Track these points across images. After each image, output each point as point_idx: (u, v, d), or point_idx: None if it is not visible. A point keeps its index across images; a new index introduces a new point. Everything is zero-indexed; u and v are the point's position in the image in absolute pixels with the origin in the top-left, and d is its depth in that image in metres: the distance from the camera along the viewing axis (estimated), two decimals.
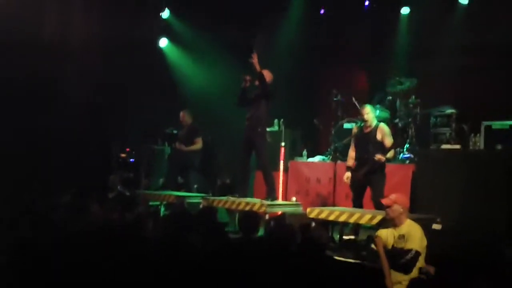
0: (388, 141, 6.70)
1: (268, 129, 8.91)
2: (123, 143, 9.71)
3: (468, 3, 9.23)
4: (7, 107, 8.09)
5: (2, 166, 7.69)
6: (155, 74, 10.33)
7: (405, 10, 9.98)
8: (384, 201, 5.23)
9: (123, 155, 9.58)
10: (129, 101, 9.81)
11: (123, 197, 7.85)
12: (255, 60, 7.06)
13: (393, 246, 5.07)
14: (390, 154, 6.72)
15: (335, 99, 9.16)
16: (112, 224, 5.52)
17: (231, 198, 7.25)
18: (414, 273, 4.89)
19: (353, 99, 8.95)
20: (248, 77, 7.22)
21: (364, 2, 10.38)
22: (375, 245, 5.12)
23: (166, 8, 10.32)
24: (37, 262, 4.36)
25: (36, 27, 8.65)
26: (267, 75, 7.26)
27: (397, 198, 5.17)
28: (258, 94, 7.23)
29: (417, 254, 4.91)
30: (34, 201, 6.25)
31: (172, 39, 10.71)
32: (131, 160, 9.59)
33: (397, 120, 8.64)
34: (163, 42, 10.69)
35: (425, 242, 5.02)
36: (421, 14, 9.63)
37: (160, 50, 10.72)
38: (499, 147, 7.26)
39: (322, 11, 10.80)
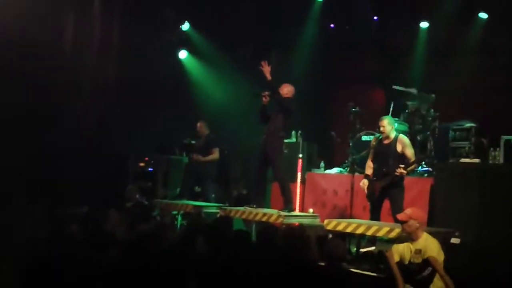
0: (410, 152, 6.66)
1: (285, 141, 8.99)
2: (142, 152, 9.79)
3: (488, 18, 9.21)
4: (27, 120, 8.21)
5: (22, 177, 7.78)
6: (174, 85, 10.45)
7: (424, 25, 9.98)
8: (400, 217, 5.20)
9: (141, 164, 9.66)
10: (148, 111, 9.92)
11: (141, 206, 7.90)
12: (265, 68, 7.03)
13: (409, 261, 5.03)
14: (410, 168, 6.66)
15: (353, 110, 9.16)
16: (129, 234, 5.56)
17: (248, 209, 7.27)
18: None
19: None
20: (266, 93, 7.22)
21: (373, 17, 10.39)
22: (387, 259, 5.10)
23: (186, 21, 10.45)
24: (52, 272, 4.40)
25: (54, 41, 8.80)
26: (288, 88, 7.27)
27: (412, 213, 5.14)
28: (276, 108, 7.26)
29: (433, 269, 4.87)
30: (52, 212, 6.31)
31: (191, 51, 10.83)
32: (149, 169, 9.67)
33: (415, 134, 8.61)
34: (183, 54, 10.82)
35: (442, 257, 4.98)
36: (440, 29, 9.62)
37: (179, 62, 10.84)
38: None
39: (333, 26, 10.84)
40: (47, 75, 8.46)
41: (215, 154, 8.76)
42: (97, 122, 9.29)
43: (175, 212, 8.13)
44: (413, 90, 8.81)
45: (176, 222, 7.93)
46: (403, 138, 6.78)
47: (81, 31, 9.18)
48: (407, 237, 5.16)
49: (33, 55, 8.28)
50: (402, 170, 6.47)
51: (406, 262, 5.05)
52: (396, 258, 5.10)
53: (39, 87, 8.37)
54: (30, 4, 8.29)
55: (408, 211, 5.20)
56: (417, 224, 5.08)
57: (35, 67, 8.25)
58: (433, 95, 8.68)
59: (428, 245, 4.99)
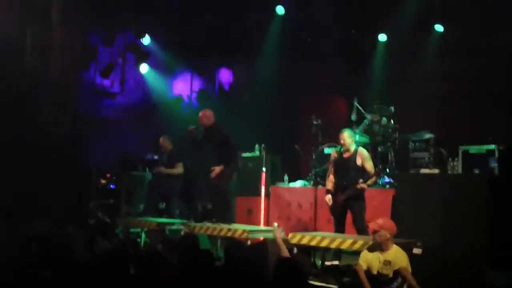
0: (369, 165, 6.76)
1: (249, 155, 9.03)
2: (103, 169, 9.61)
3: (444, 31, 9.45)
4: None
5: None
6: (136, 100, 10.35)
7: (382, 37, 10.17)
8: (372, 226, 5.25)
9: (103, 181, 9.48)
10: (109, 127, 9.78)
11: (103, 224, 7.76)
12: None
13: (378, 271, 5.07)
14: (371, 181, 6.75)
15: (315, 123, 9.24)
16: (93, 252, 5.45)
17: (207, 224, 7.25)
18: None
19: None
20: (190, 129, 7.64)
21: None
22: (356, 273, 5.13)
23: (147, 34, 10.37)
24: None
25: (15, 56, 8.60)
26: (208, 115, 7.56)
27: (384, 223, 5.20)
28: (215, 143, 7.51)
29: (403, 282, 4.93)
30: (13, 229, 6.13)
31: (152, 65, 10.73)
32: (111, 186, 9.50)
33: (376, 145, 8.73)
34: (144, 68, 10.71)
35: (410, 270, 5.05)
36: (398, 41, 9.82)
37: (141, 76, 10.73)
38: (476, 171, 7.39)
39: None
40: (7, 88, 8.27)
41: (179, 168, 8.70)
42: (58, 137, 9.11)
43: (138, 230, 8.00)
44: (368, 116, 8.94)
45: (139, 240, 7.81)
46: (363, 151, 6.87)
47: (40, 42, 8.99)
48: (377, 247, 5.21)
49: None
50: (362, 185, 6.56)
51: (375, 272, 5.10)
52: (364, 267, 5.14)
53: None
54: None
55: (380, 221, 5.25)
56: (388, 235, 5.14)
57: None
58: (392, 108, 8.83)
59: (398, 257, 5.06)
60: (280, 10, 10.37)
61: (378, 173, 7.49)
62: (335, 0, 9.80)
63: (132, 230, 8.19)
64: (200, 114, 7.64)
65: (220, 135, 7.51)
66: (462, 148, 7.74)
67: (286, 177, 9.25)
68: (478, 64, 8.87)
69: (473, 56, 8.95)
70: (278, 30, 10.62)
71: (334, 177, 6.94)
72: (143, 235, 7.88)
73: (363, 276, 5.07)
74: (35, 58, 8.90)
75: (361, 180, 6.57)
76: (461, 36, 9.18)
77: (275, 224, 8.21)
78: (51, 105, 9.09)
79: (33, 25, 8.89)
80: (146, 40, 10.41)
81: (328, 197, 6.87)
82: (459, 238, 6.70)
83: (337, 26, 10.29)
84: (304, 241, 6.33)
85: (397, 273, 4.96)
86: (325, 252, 6.59)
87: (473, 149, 7.70)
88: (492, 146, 7.60)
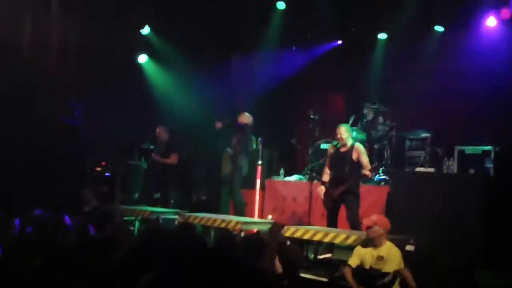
0: (365, 160, 6.79)
1: None
2: (99, 157, 9.60)
3: (444, 31, 9.47)
4: None
5: None
6: (133, 89, 10.33)
7: (382, 36, 10.18)
8: (365, 222, 5.27)
9: (98, 169, 9.48)
10: (106, 115, 9.77)
11: (97, 211, 7.74)
12: None
13: (370, 266, 5.10)
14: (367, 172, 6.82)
15: (312, 117, 9.27)
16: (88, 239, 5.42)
17: (201, 214, 7.33)
18: None
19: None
20: (218, 124, 8.39)
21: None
22: (344, 273, 5.16)
23: (147, 25, 10.34)
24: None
25: (11, 41, 8.58)
26: (246, 118, 8.10)
27: (378, 219, 5.22)
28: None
29: (394, 277, 4.95)
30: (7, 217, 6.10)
31: (151, 55, 10.71)
32: (106, 174, 9.50)
33: (373, 142, 8.76)
34: (143, 58, 10.68)
35: (403, 265, 5.07)
36: (398, 40, 9.83)
37: (139, 66, 10.71)
38: (471, 171, 7.42)
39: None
40: (4, 75, 8.24)
41: (173, 159, 8.73)
42: (54, 124, 9.10)
43: (132, 218, 8.00)
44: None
45: (133, 228, 7.81)
46: (359, 146, 6.90)
47: (39, 31, 8.97)
48: (370, 242, 5.23)
49: None
50: (367, 172, 6.70)
51: (367, 267, 5.12)
52: (357, 262, 5.17)
53: None
54: None
55: (374, 217, 5.27)
56: (381, 231, 5.16)
57: None
58: (388, 107, 8.85)
59: (392, 253, 5.07)
60: (280, 5, 10.35)
61: (376, 167, 7.52)
62: None
63: (126, 218, 8.17)
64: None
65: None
66: (458, 148, 7.76)
67: (282, 171, 9.27)
68: (477, 64, 8.89)
69: (471, 56, 8.96)
70: (278, 25, 10.60)
71: (330, 171, 6.97)
72: (137, 223, 7.88)
73: (350, 279, 5.11)
74: (33, 49, 8.89)
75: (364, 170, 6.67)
76: (459, 37, 9.21)
77: (270, 216, 8.28)
78: (47, 94, 9.08)
79: (32, 17, 8.88)
80: (145, 30, 10.39)
81: (321, 188, 6.89)
82: (452, 238, 6.73)
83: (338, 23, 10.28)
84: (298, 234, 6.33)
85: (396, 273, 4.99)
86: (318, 245, 6.60)
87: (469, 149, 7.73)
88: (488, 147, 7.63)
